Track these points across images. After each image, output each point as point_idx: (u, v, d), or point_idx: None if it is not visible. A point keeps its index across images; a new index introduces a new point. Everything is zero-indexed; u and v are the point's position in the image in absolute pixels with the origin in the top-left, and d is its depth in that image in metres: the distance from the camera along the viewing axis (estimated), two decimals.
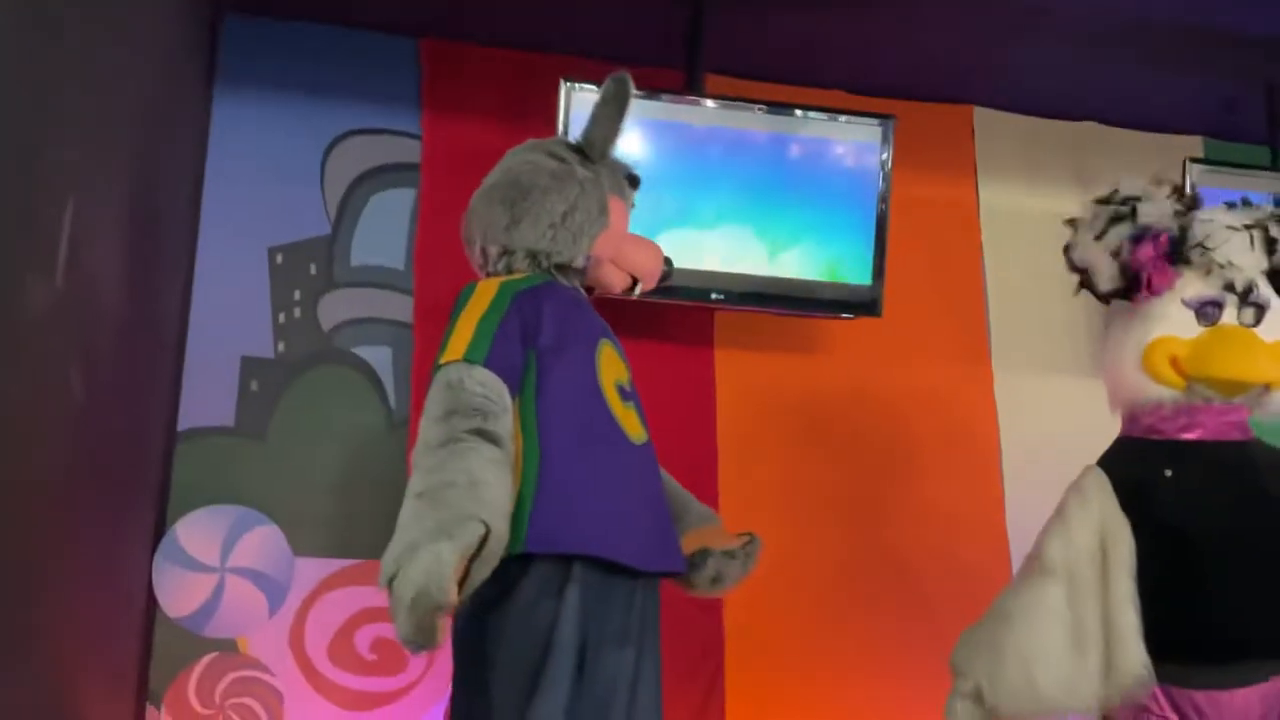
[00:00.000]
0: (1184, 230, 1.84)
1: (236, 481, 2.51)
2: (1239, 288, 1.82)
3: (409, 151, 2.77)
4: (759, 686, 2.65)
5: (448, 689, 2.41)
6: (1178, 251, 1.84)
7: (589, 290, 1.94)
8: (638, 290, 1.95)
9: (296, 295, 2.65)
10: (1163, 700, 1.76)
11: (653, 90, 2.50)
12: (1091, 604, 1.78)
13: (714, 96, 2.66)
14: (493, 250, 1.84)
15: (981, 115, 3.11)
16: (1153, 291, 1.84)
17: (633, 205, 1.98)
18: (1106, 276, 1.89)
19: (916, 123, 2.89)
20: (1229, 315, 1.82)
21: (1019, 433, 2.94)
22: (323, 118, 2.73)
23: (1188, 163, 2.92)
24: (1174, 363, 1.82)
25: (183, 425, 2.52)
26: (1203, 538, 1.76)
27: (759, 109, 2.66)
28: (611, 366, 1.80)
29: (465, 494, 1.48)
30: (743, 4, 2.61)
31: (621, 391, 1.79)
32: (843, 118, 2.69)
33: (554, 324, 1.73)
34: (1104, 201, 1.92)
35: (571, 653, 1.60)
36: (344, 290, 2.68)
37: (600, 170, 1.89)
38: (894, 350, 2.90)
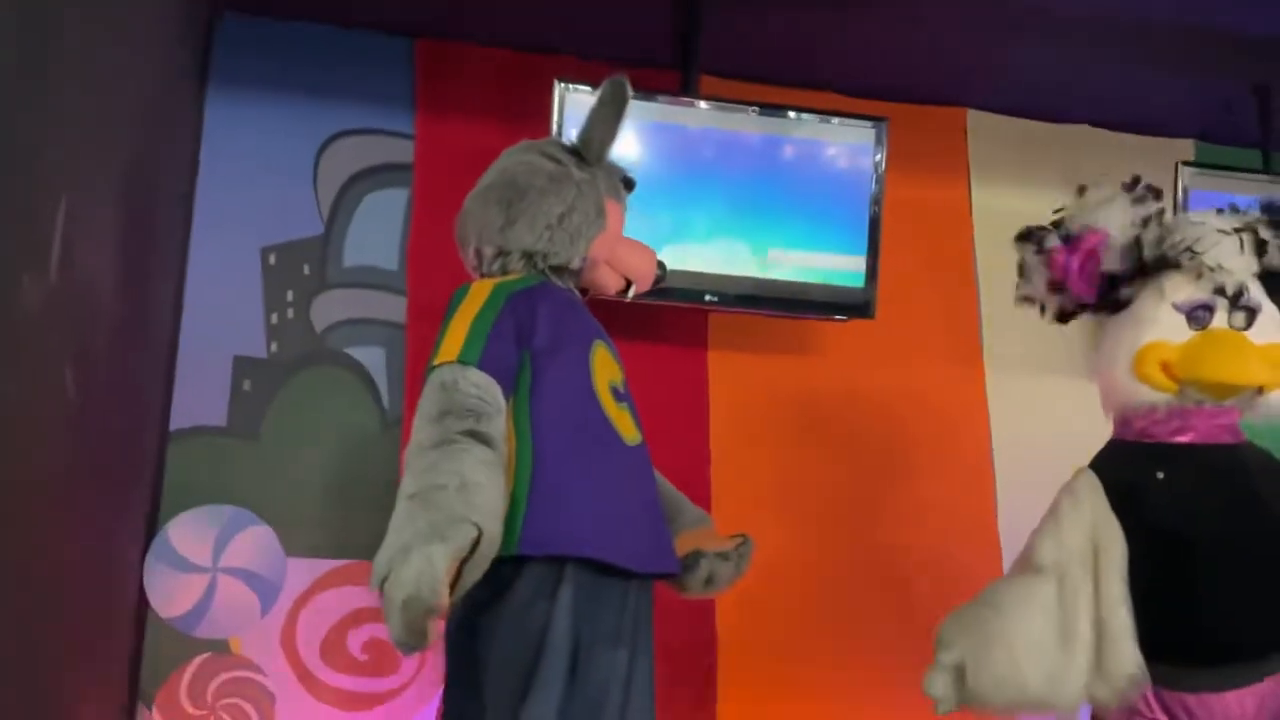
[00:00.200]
0: (1146, 229, 1.85)
1: (229, 481, 2.51)
2: (1230, 291, 1.83)
3: (402, 152, 2.77)
4: (751, 687, 2.65)
5: (440, 689, 2.42)
6: (1138, 252, 1.85)
7: (583, 292, 1.94)
8: (631, 293, 1.96)
9: (289, 295, 2.65)
10: (1153, 702, 1.77)
11: (647, 91, 2.50)
12: (1081, 605, 1.79)
13: (708, 98, 2.67)
14: (488, 251, 1.84)
15: (975, 118, 3.12)
16: (1078, 297, 1.87)
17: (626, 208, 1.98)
18: (1044, 299, 1.93)
19: (910, 125, 2.89)
20: (1220, 319, 1.83)
21: (1011, 434, 2.95)
22: (316, 117, 2.73)
23: (1179, 166, 2.93)
24: (1165, 367, 1.82)
25: (175, 425, 2.51)
26: (1194, 540, 1.77)
27: (753, 111, 2.66)
28: (606, 368, 1.80)
29: (458, 496, 1.47)
30: (738, 5, 2.61)
31: (615, 393, 1.80)
32: (836, 120, 2.69)
33: (548, 325, 1.73)
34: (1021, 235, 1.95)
35: (564, 654, 1.60)
36: (337, 290, 2.68)
37: (596, 172, 1.90)
38: (887, 352, 2.90)
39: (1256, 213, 1.91)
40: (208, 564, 2.45)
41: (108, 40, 1.88)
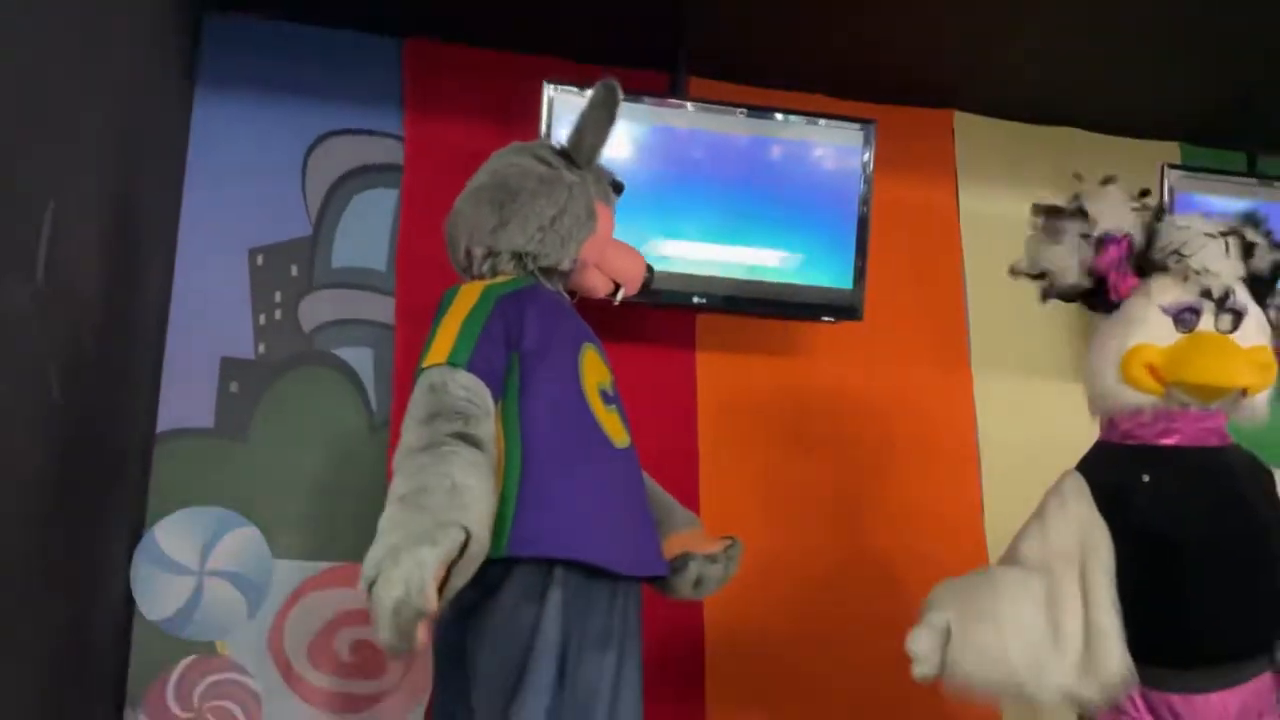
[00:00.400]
0: (1150, 235, 1.86)
1: (216, 483, 2.50)
2: (1216, 294, 1.83)
3: (391, 152, 2.76)
4: (739, 688, 2.66)
5: (428, 691, 2.43)
6: (1142, 256, 1.86)
7: (571, 294, 1.94)
8: (620, 296, 1.96)
9: (277, 296, 2.64)
10: (1139, 702, 1.78)
11: (635, 93, 2.50)
12: (1069, 604, 1.80)
13: (696, 100, 2.67)
14: (478, 252, 1.84)
15: (962, 120, 3.13)
16: (1119, 295, 1.87)
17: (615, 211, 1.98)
18: (1072, 276, 1.91)
19: (897, 127, 2.90)
20: (1206, 322, 1.84)
21: (998, 436, 2.96)
22: (304, 118, 2.72)
23: (1165, 168, 2.95)
24: (1152, 369, 1.83)
25: (162, 427, 2.50)
26: (1180, 542, 1.78)
27: (740, 113, 2.66)
28: (594, 370, 1.81)
29: (446, 499, 1.47)
30: (726, 7, 2.61)
31: (604, 395, 1.80)
32: (824, 121, 2.70)
33: (537, 328, 1.73)
34: (1053, 209, 1.94)
35: (553, 656, 1.60)
36: (325, 291, 2.67)
37: (587, 175, 1.90)
38: (875, 353, 2.91)
39: (1242, 217, 1.92)
40: (195, 566, 2.44)
41: (94, 40, 1.87)
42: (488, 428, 1.62)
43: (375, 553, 1.44)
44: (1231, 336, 1.83)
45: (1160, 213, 1.92)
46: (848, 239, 2.69)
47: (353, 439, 2.61)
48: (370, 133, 2.76)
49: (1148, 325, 1.85)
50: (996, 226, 3.00)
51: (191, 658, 2.42)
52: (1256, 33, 2.67)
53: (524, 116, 2.55)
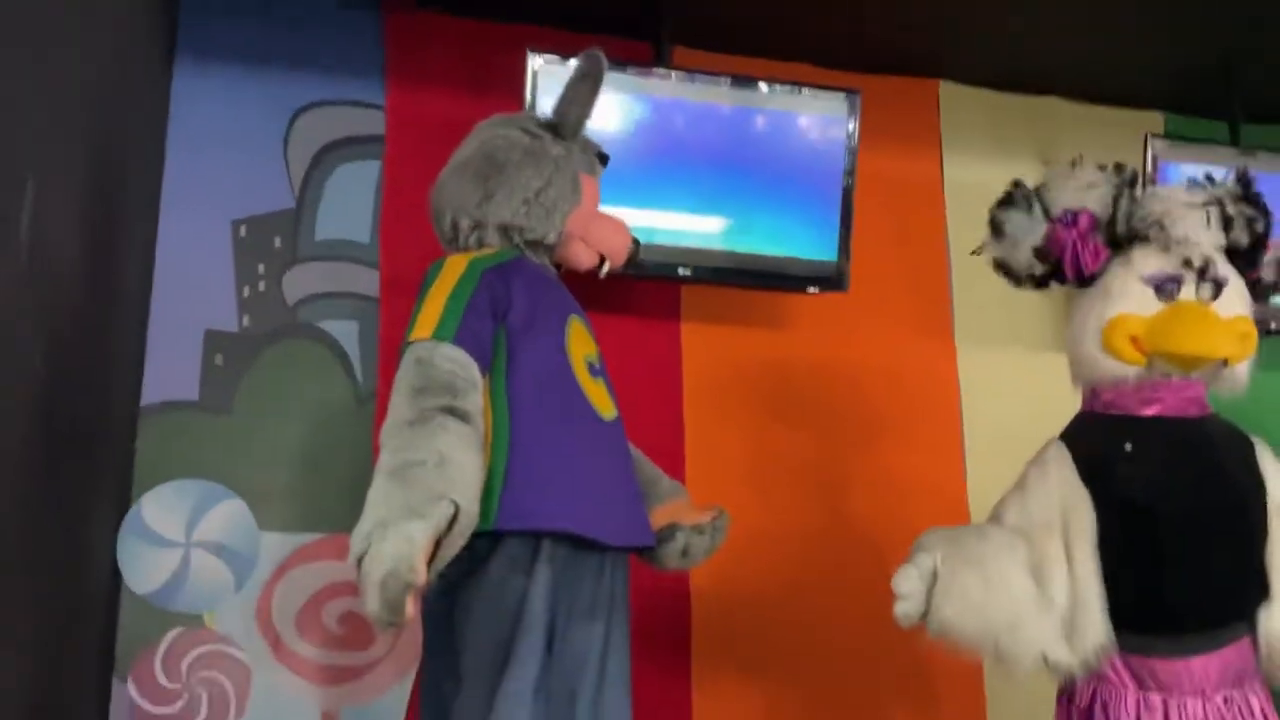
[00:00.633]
0: (1119, 204, 1.87)
1: (201, 456, 2.49)
2: (1196, 264, 1.84)
3: (373, 123, 2.74)
4: (725, 657, 2.68)
5: (416, 662, 2.44)
6: (1113, 228, 1.87)
7: (556, 267, 1.94)
8: (605, 269, 1.95)
9: (261, 269, 2.63)
10: (1121, 668, 1.80)
11: (619, 63, 2.49)
12: (1052, 572, 1.82)
13: (680, 69, 2.66)
14: (464, 224, 1.84)
15: (947, 89, 3.13)
16: (1083, 271, 1.88)
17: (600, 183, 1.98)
18: (1024, 265, 1.92)
19: (882, 96, 2.90)
20: (1187, 292, 1.85)
21: (981, 406, 2.98)
22: (285, 89, 2.69)
23: (1148, 138, 2.96)
24: (1133, 339, 1.84)
25: (147, 400, 2.50)
26: (1161, 511, 1.79)
27: (725, 82, 2.65)
28: (581, 343, 1.81)
29: (435, 473, 1.48)
30: None
31: (591, 368, 1.81)
32: (808, 91, 2.69)
33: (523, 300, 1.73)
34: (1006, 197, 1.96)
35: (541, 628, 1.61)
36: (309, 264, 2.66)
37: (572, 147, 1.89)
38: (859, 324, 2.92)
39: (1226, 185, 1.93)
40: (181, 539, 2.45)
41: (71, 12, 1.85)
42: (475, 401, 1.62)
43: (363, 527, 1.45)
44: (1212, 306, 1.85)
45: (1132, 181, 1.92)
46: (832, 210, 2.69)
47: (338, 411, 2.60)
48: (352, 104, 2.74)
49: (1129, 296, 1.86)
50: (981, 196, 2.95)
51: (179, 630, 2.43)
52: (1239, 2, 2.68)
53: (507, 86, 2.53)
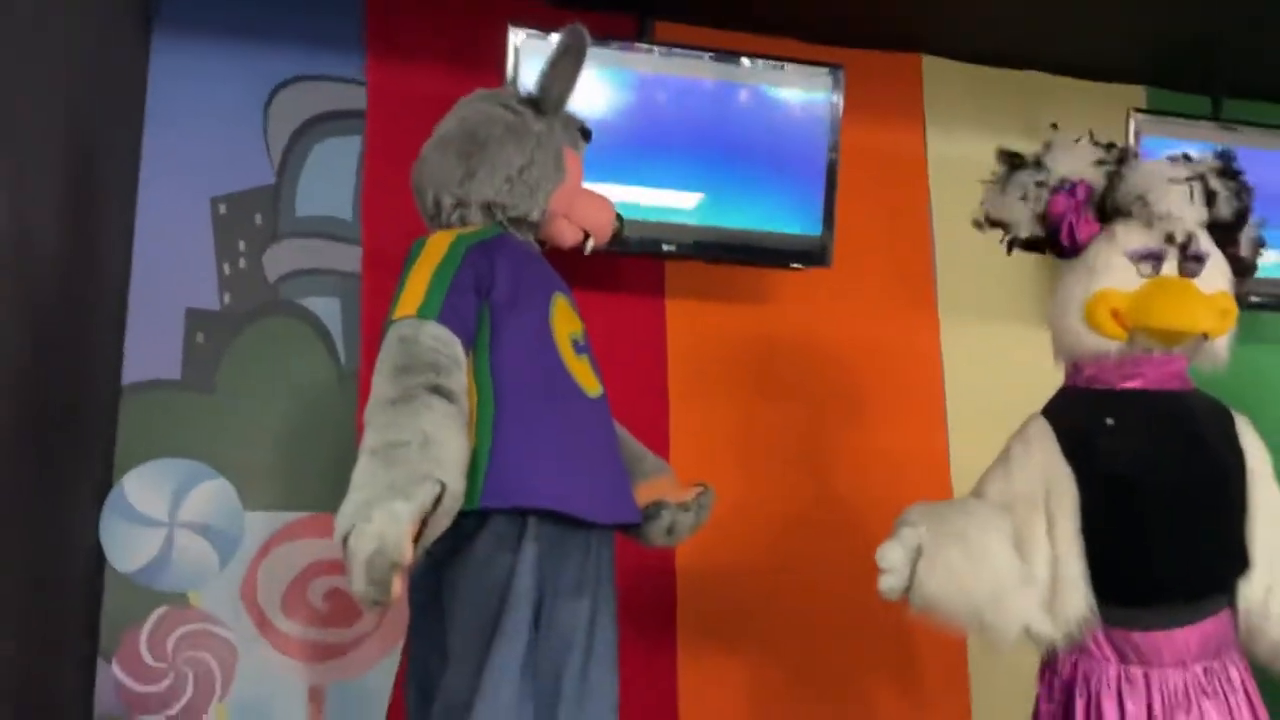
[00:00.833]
0: (1111, 181, 1.88)
1: (184, 435, 2.48)
2: (1179, 239, 1.85)
3: (354, 98, 2.72)
4: (710, 632, 2.70)
5: (401, 639, 2.44)
6: (1102, 203, 1.88)
7: (540, 244, 1.93)
8: (590, 246, 1.95)
9: (241, 246, 2.61)
10: (1103, 641, 1.82)
11: (602, 37, 2.47)
12: (1034, 546, 1.83)
13: (664, 44, 2.64)
14: (447, 202, 1.83)
15: (930, 64, 3.12)
16: (1077, 242, 1.88)
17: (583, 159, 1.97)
18: (1024, 226, 1.93)
19: (865, 71, 2.89)
20: (1169, 267, 1.86)
21: (964, 381, 2.99)
22: (264, 64, 2.66)
23: (1131, 112, 2.96)
24: (1115, 314, 1.85)
25: (128, 379, 2.48)
26: (1143, 484, 1.81)
27: (707, 57, 2.64)
28: (565, 320, 1.81)
29: (419, 452, 1.48)
30: None
31: (576, 345, 1.80)
32: (791, 66, 2.68)
33: (508, 278, 1.72)
34: (1011, 157, 1.95)
35: (528, 606, 1.62)
36: (290, 241, 2.64)
37: (554, 123, 1.88)
38: (843, 300, 2.92)
39: (1209, 160, 1.93)
40: (164, 518, 2.44)
41: None
42: (459, 379, 1.62)
43: (348, 506, 1.45)
44: (1194, 281, 1.86)
45: (1124, 158, 1.93)
46: (816, 185, 2.68)
47: (321, 389, 2.60)
48: (333, 79, 2.71)
49: (1111, 271, 1.87)
50: (964, 171, 2.95)
51: (164, 609, 2.42)
52: None
53: (489, 60, 2.51)
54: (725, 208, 2.64)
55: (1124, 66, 3.16)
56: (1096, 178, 1.89)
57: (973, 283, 2.98)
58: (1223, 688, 1.81)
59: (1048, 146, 1.94)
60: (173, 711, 2.40)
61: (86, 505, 2.36)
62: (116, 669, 2.37)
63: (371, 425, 1.53)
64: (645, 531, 1.91)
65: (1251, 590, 1.84)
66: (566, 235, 1.92)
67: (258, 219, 2.63)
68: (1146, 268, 1.86)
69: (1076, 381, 1.95)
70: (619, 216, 1.98)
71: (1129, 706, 1.79)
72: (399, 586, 1.42)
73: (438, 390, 1.56)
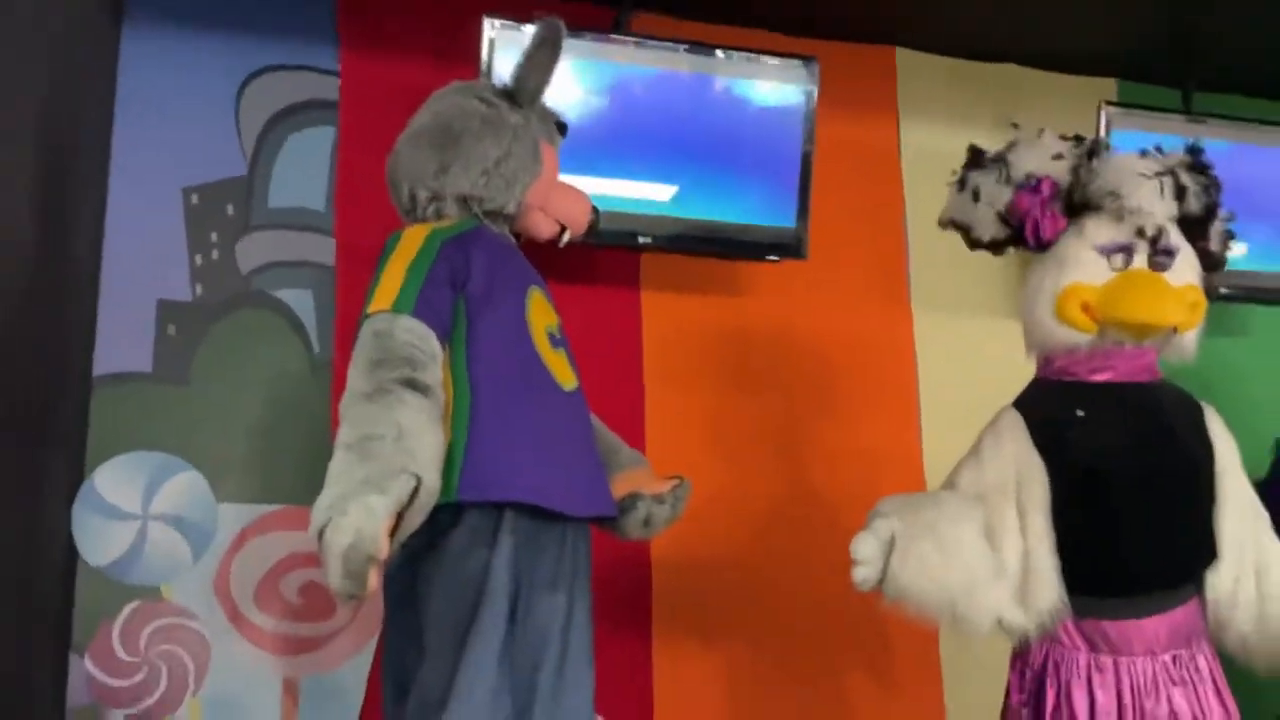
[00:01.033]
0: (1079, 175, 1.89)
1: (156, 428, 2.46)
2: (1149, 234, 1.87)
3: (327, 88, 2.70)
4: (685, 624, 2.71)
5: (376, 632, 2.44)
6: (1070, 197, 1.89)
7: (516, 236, 1.93)
8: (565, 238, 1.94)
9: (213, 237, 2.59)
10: (1073, 631, 1.84)
11: (577, 29, 2.46)
12: (1006, 537, 1.85)
13: (639, 35, 2.64)
14: (422, 195, 1.82)
15: (904, 56, 3.13)
16: (1043, 238, 1.90)
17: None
18: (986, 228, 1.94)
19: (839, 63, 2.89)
20: (1139, 261, 1.88)
21: (937, 373, 3.01)
22: (236, 53, 2.64)
23: (1102, 105, 2.98)
24: (1086, 308, 1.87)
25: (99, 371, 2.46)
26: (1113, 476, 1.83)
27: (682, 49, 2.64)
28: (541, 313, 1.81)
29: (394, 446, 1.47)
30: None
31: (552, 338, 1.80)
32: (766, 58, 2.68)
33: (483, 271, 1.72)
34: (972, 157, 1.97)
35: (504, 599, 1.62)
36: (263, 232, 2.62)
37: (530, 116, 1.88)
38: (818, 292, 2.93)
39: (1179, 155, 1.95)
40: (137, 511, 2.42)
41: None
42: (434, 373, 1.61)
43: (324, 500, 1.44)
44: (1163, 275, 1.87)
45: (1094, 151, 1.94)
46: (791, 177, 2.68)
47: (295, 381, 2.58)
48: (305, 69, 2.69)
49: (1082, 265, 1.89)
50: (937, 163, 2.95)
51: (136, 603, 2.41)
52: None
53: (463, 51, 2.50)
54: (700, 200, 2.64)
55: (1097, 59, 3.18)
56: (1061, 173, 1.90)
57: (946, 275, 3.00)
58: (1191, 676, 1.84)
59: (1012, 145, 1.95)
60: (146, 705, 2.39)
61: (58, 499, 2.34)
62: (89, 663, 2.36)
63: (346, 420, 1.53)
64: (621, 524, 1.91)
65: (1220, 581, 1.87)
66: (542, 228, 1.92)
67: (230, 210, 2.61)
68: (1117, 261, 1.87)
69: (1048, 374, 1.97)
70: (595, 209, 1.98)
71: (1099, 695, 1.82)
72: (375, 580, 1.42)
73: (412, 384, 1.56)
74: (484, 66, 2.43)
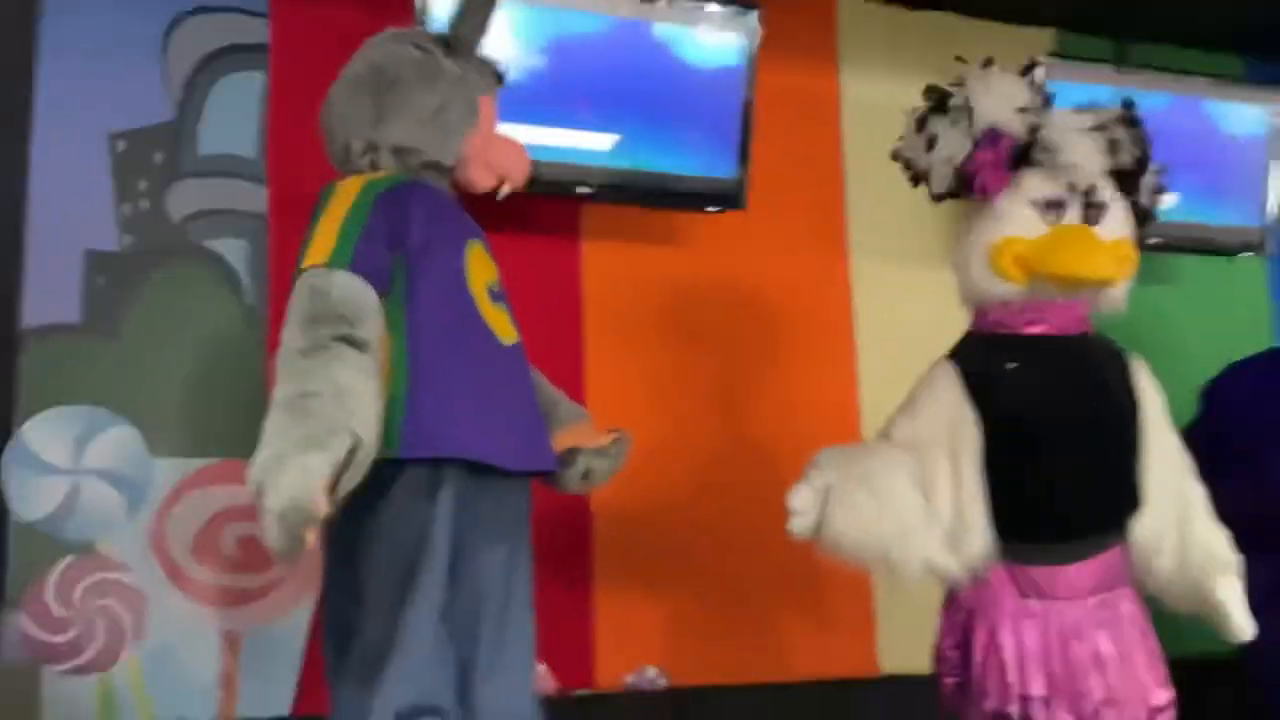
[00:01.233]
0: (1033, 133, 1.91)
1: (87, 381, 2.41)
2: (1081, 188, 1.90)
3: (257, 31, 2.63)
4: (626, 575, 2.72)
5: (316, 584, 2.43)
6: (1021, 155, 1.91)
7: (453, 189, 1.90)
8: (504, 191, 1.92)
9: (142, 185, 2.53)
10: (1003, 576, 1.89)
11: None
12: (938, 485, 1.89)
13: None
14: (356, 146, 1.79)
15: (845, 5, 3.12)
16: (986, 192, 1.91)
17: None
18: (943, 182, 1.95)
19: (780, 12, 2.87)
20: (1072, 215, 1.91)
21: (874, 324, 3.03)
22: None
23: (1040, 57, 2.99)
24: (1019, 260, 1.90)
25: (26, 323, 2.40)
26: (1042, 425, 1.88)
27: None
28: (481, 268, 1.79)
29: (332, 403, 1.46)
30: None
31: (491, 293, 1.79)
32: (708, 6, 2.66)
33: (421, 225, 1.69)
34: (937, 99, 1.96)
35: (445, 555, 1.62)
36: (193, 180, 2.56)
37: (468, 66, 1.84)
38: (757, 242, 2.93)
39: (1113, 109, 1.97)
40: (68, 466, 2.38)
41: None
42: (371, 329, 1.60)
43: (261, 459, 1.43)
44: (1095, 229, 1.91)
45: (1048, 105, 1.95)
46: (732, 127, 2.68)
47: (228, 333, 2.54)
48: (234, 10, 2.62)
49: (1016, 219, 1.91)
50: (876, 113, 3.00)
51: (71, 558, 2.37)
52: None
53: None
54: (640, 149, 2.62)
55: (1036, 8, 3.19)
56: (1018, 127, 1.90)
57: (883, 225, 3.02)
58: (1116, 619, 1.89)
59: (972, 88, 1.93)
60: (82, 660, 2.36)
61: None
62: (23, 619, 2.33)
63: (283, 377, 1.52)
64: (561, 478, 1.91)
65: (1144, 528, 1.93)
66: (481, 180, 1.88)
67: (158, 157, 2.54)
68: (1050, 215, 1.90)
69: (981, 326, 2.00)
70: (534, 162, 1.96)
71: (1026, 638, 1.87)
72: (313, 539, 1.41)
73: (349, 340, 1.55)
74: (420, 13, 2.38)
